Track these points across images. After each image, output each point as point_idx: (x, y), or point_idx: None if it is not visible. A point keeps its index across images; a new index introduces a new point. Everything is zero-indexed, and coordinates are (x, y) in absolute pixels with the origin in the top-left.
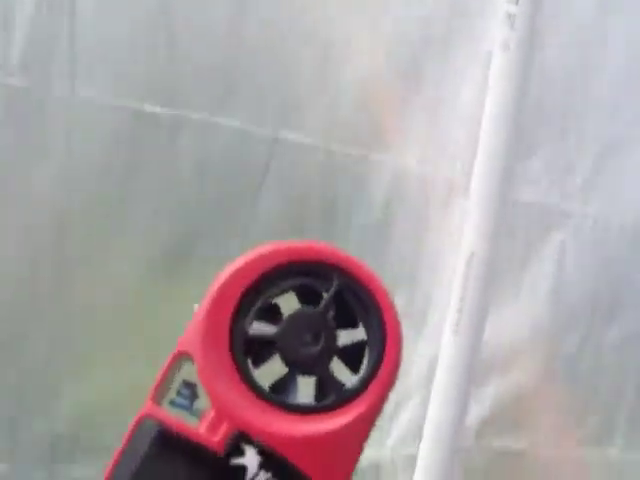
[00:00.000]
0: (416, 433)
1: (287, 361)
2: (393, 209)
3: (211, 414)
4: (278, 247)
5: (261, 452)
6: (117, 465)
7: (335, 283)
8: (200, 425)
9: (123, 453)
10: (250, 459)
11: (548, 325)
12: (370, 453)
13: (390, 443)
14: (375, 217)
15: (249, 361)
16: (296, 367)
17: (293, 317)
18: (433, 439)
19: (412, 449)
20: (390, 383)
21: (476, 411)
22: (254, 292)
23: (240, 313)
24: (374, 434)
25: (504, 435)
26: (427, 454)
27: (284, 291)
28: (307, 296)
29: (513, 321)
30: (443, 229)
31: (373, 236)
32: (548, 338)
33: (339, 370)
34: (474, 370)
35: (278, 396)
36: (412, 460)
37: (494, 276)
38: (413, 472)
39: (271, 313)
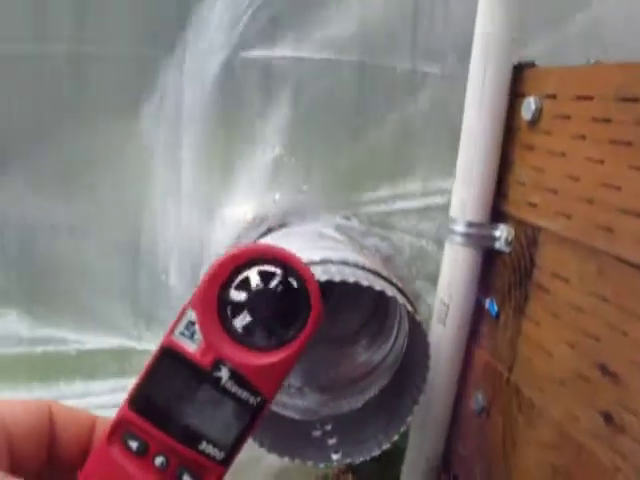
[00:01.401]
0: None
1: (253, 316)
2: None
3: (203, 345)
4: (250, 248)
5: (231, 370)
6: (142, 377)
7: (281, 272)
8: (197, 351)
9: (150, 367)
10: (224, 374)
11: None
12: None
13: None
14: None
15: (229, 315)
16: (258, 320)
17: (257, 291)
18: None
19: None
20: (312, 334)
21: None
22: (235, 273)
23: (225, 286)
24: None
25: None
26: None
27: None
28: (266, 277)
29: None
30: None
31: None
32: None
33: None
34: None
35: (245, 338)
36: None
37: None
38: None
39: (243, 288)
